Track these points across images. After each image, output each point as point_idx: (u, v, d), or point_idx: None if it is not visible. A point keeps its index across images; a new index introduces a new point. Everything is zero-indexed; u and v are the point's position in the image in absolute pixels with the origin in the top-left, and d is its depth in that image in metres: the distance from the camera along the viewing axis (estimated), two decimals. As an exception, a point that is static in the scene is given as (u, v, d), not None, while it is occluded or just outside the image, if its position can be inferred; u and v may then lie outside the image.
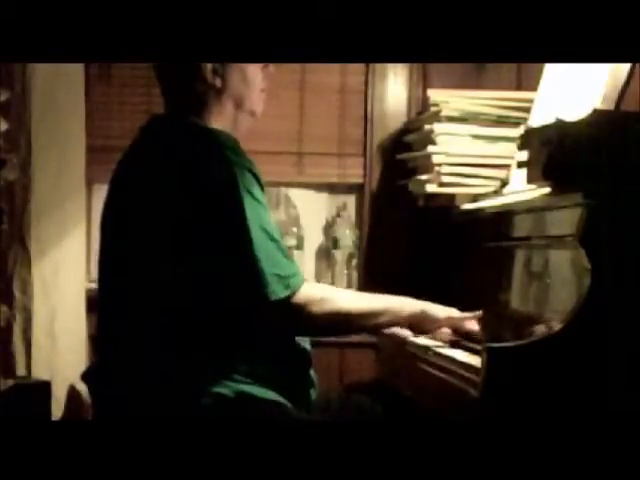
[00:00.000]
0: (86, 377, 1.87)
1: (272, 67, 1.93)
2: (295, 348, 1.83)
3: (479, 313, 1.88)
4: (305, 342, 1.87)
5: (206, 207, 1.69)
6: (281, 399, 1.76)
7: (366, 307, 1.81)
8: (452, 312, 1.89)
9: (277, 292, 1.67)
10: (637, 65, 1.82)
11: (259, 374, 1.73)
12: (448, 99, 2.58)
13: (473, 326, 1.88)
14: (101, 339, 1.86)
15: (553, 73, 2.22)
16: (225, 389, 1.70)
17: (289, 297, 1.69)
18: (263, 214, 1.71)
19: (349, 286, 2.92)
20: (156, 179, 1.75)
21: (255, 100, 1.91)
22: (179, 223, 1.70)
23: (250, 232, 1.67)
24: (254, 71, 1.89)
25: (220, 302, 1.69)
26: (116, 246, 1.81)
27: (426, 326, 1.89)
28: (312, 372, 1.88)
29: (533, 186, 1.79)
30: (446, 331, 1.90)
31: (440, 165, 2.51)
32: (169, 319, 1.71)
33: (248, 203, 1.68)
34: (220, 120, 1.86)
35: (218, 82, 1.85)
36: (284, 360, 1.79)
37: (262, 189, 1.75)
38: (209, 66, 1.83)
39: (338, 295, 1.80)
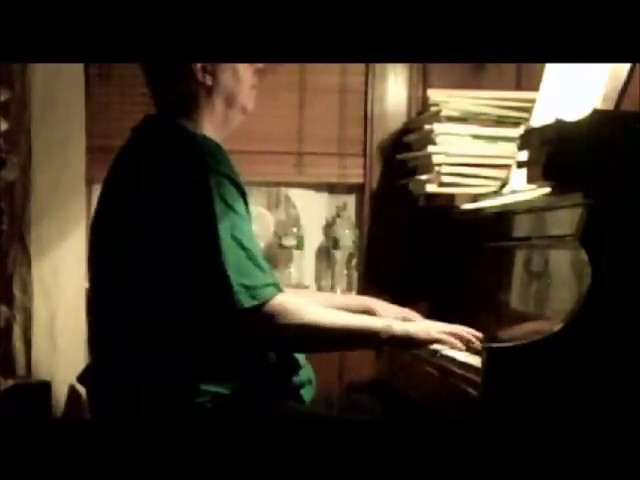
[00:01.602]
0: (82, 379, 1.87)
1: (261, 64, 1.93)
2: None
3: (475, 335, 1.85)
4: None
5: (180, 212, 1.69)
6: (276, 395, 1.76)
7: (339, 325, 1.75)
8: (439, 327, 1.81)
9: (242, 302, 1.66)
10: (637, 65, 1.82)
11: (249, 372, 1.74)
12: (448, 99, 2.58)
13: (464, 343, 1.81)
14: (94, 340, 1.87)
15: (553, 73, 2.22)
16: (221, 387, 1.70)
17: (256, 308, 1.67)
18: (237, 222, 1.69)
19: (349, 286, 2.92)
20: (139, 181, 1.76)
21: (246, 97, 1.91)
22: (158, 226, 1.71)
23: (220, 240, 1.66)
24: (244, 68, 1.89)
25: (200, 306, 1.69)
26: (106, 247, 1.82)
27: (412, 347, 1.84)
28: (307, 370, 1.87)
29: (533, 186, 1.79)
30: None
31: (440, 165, 2.51)
32: (160, 319, 1.71)
33: (221, 210, 1.67)
34: (211, 119, 1.86)
35: (208, 80, 1.85)
36: (271, 359, 1.79)
37: (243, 197, 1.74)
38: (199, 65, 1.83)
39: (310, 310, 1.74)
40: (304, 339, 1.75)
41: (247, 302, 1.66)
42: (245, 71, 1.89)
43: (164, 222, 1.70)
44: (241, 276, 1.66)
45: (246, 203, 1.75)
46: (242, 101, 1.90)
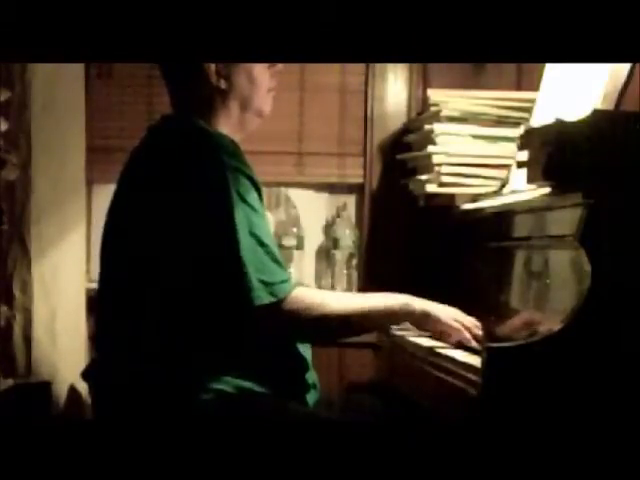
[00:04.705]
0: (86, 375, 1.87)
1: (280, 66, 1.92)
2: (290, 349, 1.82)
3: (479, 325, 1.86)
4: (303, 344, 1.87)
5: (197, 209, 1.69)
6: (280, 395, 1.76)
7: (359, 309, 1.78)
8: (456, 314, 1.85)
9: (261, 298, 1.67)
10: (637, 65, 1.82)
11: (256, 372, 1.74)
12: (448, 99, 2.58)
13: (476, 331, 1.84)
14: (100, 336, 1.87)
15: (553, 73, 2.22)
16: (224, 385, 1.70)
17: (274, 304, 1.68)
18: (255, 219, 1.70)
19: (349, 286, 2.92)
20: (155, 179, 1.76)
21: (262, 100, 1.90)
22: (174, 224, 1.71)
23: (238, 236, 1.66)
24: (260, 71, 1.88)
25: (211, 304, 1.69)
26: (117, 245, 1.82)
27: (428, 327, 1.87)
28: (312, 374, 1.88)
29: (533, 186, 1.79)
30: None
31: (440, 165, 2.51)
32: (167, 317, 1.72)
33: (239, 207, 1.68)
34: (226, 121, 1.86)
35: (222, 84, 1.84)
36: (280, 360, 1.79)
37: (260, 195, 1.75)
38: (213, 68, 1.83)
39: (328, 300, 1.76)
40: (325, 329, 1.77)
41: (265, 298, 1.67)
42: (261, 74, 1.88)
43: (181, 219, 1.70)
44: (260, 272, 1.67)
45: (261, 200, 1.76)
46: (258, 104, 1.89)
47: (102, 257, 1.86)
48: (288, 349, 1.82)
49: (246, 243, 1.67)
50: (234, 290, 1.67)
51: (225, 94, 1.85)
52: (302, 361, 1.84)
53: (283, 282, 1.70)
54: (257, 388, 1.73)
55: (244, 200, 1.69)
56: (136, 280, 1.75)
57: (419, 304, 1.83)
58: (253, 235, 1.68)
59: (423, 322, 1.86)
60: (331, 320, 1.74)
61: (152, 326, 1.73)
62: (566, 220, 1.67)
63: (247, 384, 1.72)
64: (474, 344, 1.79)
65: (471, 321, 1.85)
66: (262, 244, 1.69)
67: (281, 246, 2.88)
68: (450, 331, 1.83)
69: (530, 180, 1.75)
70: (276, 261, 1.71)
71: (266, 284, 1.67)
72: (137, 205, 1.78)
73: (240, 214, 1.67)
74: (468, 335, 1.82)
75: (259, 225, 1.70)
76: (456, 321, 1.84)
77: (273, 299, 1.68)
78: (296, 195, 3.00)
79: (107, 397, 1.80)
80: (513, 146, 2.24)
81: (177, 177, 1.73)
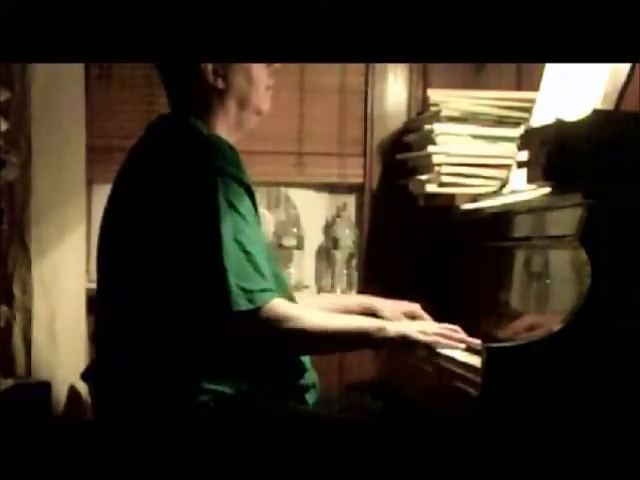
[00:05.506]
0: (86, 376, 1.87)
1: (277, 64, 1.92)
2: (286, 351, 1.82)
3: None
4: None
5: (185, 212, 1.69)
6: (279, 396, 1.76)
7: (332, 329, 1.76)
8: (431, 327, 1.80)
9: (239, 304, 1.66)
10: (637, 65, 1.83)
11: (255, 373, 1.74)
12: (448, 99, 2.58)
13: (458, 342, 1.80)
14: (99, 337, 1.87)
15: (553, 73, 2.22)
16: (222, 386, 1.70)
17: (252, 311, 1.67)
18: (242, 226, 1.69)
19: (349, 286, 2.92)
20: (148, 180, 1.76)
21: (260, 99, 1.90)
22: (166, 225, 1.71)
23: (222, 241, 1.66)
24: (258, 70, 1.87)
25: (205, 305, 1.69)
26: (113, 244, 1.82)
27: (408, 349, 1.81)
28: (312, 373, 1.88)
29: (533, 186, 1.79)
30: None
31: (440, 165, 2.52)
32: (164, 318, 1.72)
33: (225, 212, 1.67)
34: (224, 120, 1.86)
35: (220, 83, 1.84)
36: (278, 361, 1.79)
37: (253, 203, 1.74)
38: (210, 67, 1.82)
39: (305, 315, 1.74)
40: (298, 343, 1.76)
41: (244, 305, 1.67)
42: (259, 72, 1.87)
43: (170, 221, 1.71)
44: (240, 279, 1.67)
45: (254, 205, 1.75)
46: (256, 103, 1.89)
47: (99, 256, 1.87)
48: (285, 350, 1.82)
49: (229, 249, 1.67)
50: (213, 295, 1.68)
51: (223, 93, 1.85)
52: (300, 361, 1.84)
53: (263, 291, 1.69)
54: (256, 389, 1.73)
55: (233, 206, 1.68)
56: (132, 280, 1.75)
57: (395, 327, 1.78)
58: (238, 242, 1.68)
59: (403, 344, 1.78)
60: (304, 334, 1.73)
61: (150, 326, 1.73)
62: (566, 220, 1.67)
63: (245, 385, 1.72)
64: (461, 346, 1.77)
65: (447, 327, 1.81)
66: (246, 251, 1.69)
67: (281, 246, 2.89)
68: (433, 345, 1.79)
69: (530, 180, 1.75)
70: (258, 270, 1.70)
71: (245, 291, 1.67)
72: (132, 204, 1.78)
73: (227, 220, 1.67)
74: (453, 343, 1.79)
75: (246, 233, 1.70)
76: (434, 334, 1.78)
77: (251, 306, 1.67)
78: (296, 195, 3.00)
79: (107, 397, 1.80)
80: (513, 146, 2.24)
81: (169, 178, 1.72)
